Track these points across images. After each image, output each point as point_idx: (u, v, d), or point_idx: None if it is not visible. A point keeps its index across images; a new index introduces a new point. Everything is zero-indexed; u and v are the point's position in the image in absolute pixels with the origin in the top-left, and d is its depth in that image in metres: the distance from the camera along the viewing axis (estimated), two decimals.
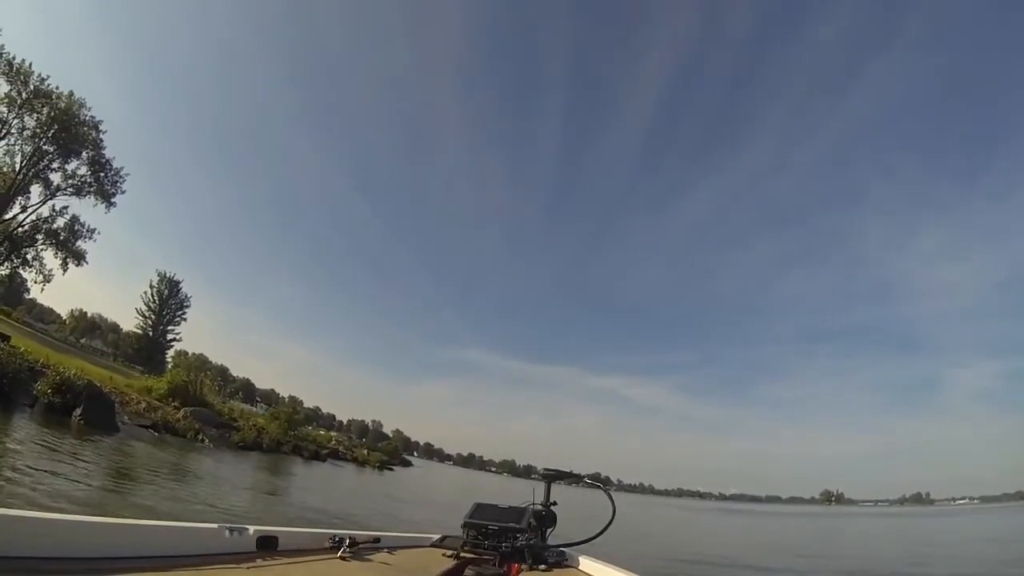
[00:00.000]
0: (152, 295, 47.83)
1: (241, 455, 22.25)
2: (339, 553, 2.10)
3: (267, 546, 1.96)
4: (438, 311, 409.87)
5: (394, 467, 53.08)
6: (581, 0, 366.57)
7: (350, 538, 2.23)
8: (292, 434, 33.46)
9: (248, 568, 1.67)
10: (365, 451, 50.35)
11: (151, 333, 47.39)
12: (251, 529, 1.95)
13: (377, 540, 2.40)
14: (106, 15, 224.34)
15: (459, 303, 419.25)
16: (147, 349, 43.81)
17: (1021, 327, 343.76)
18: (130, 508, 7.82)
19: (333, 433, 74.61)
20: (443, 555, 2.47)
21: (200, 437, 21.48)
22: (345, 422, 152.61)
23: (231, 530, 1.86)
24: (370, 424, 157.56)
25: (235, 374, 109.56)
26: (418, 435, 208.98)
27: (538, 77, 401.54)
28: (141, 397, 23.03)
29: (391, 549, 2.43)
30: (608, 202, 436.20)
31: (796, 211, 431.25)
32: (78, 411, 16.37)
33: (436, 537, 2.83)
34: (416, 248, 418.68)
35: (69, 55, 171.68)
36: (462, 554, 2.47)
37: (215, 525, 1.83)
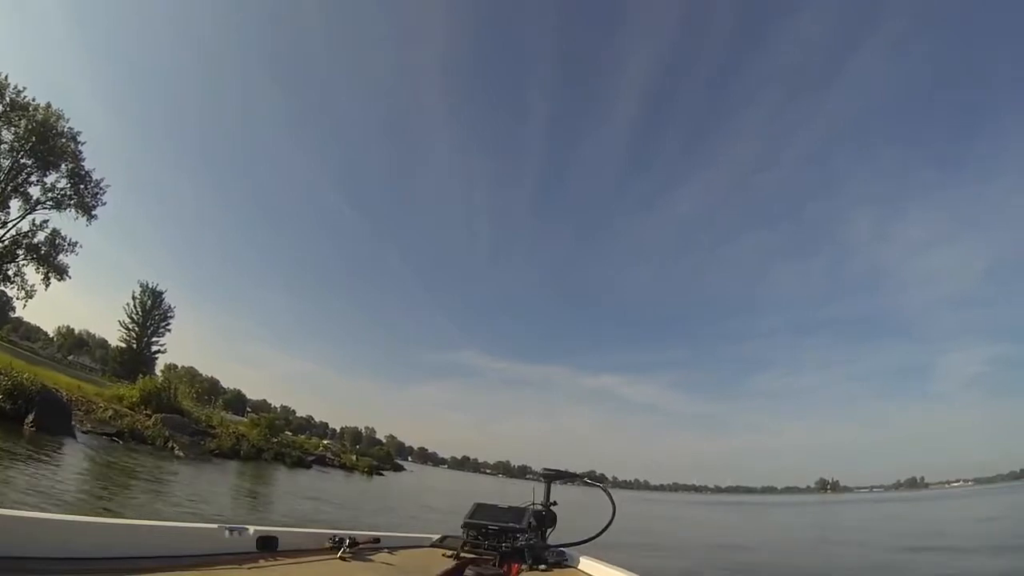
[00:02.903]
0: (135, 306, 47.45)
1: (214, 464, 21.52)
2: (339, 553, 2.10)
3: (267, 546, 1.96)
4: (429, 314, 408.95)
5: (384, 472, 52.66)
6: (566, 1, 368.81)
7: (350, 538, 2.23)
8: (275, 441, 32.90)
9: (248, 568, 1.67)
10: (354, 456, 49.99)
11: (135, 345, 47.18)
12: (251, 529, 1.95)
13: (377, 540, 2.40)
14: (84, 22, 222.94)
15: (450, 305, 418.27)
16: (131, 362, 43.54)
17: (1009, 312, 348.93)
18: None
19: (325, 441, 74.35)
20: (443, 555, 2.48)
21: (170, 445, 20.88)
22: (338, 430, 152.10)
23: (231, 530, 1.86)
24: (363, 431, 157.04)
25: (226, 386, 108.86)
26: (412, 440, 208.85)
27: (524, 78, 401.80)
28: (109, 405, 22.50)
29: (391, 549, 2.43)
30: (597, 201, 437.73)
31: (784, 205, 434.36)
32: (30, 417, 15.71)
33: (436, 537, 2.83)
34: (405, 251, 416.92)
35: (48, 64, 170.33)
36: (462, 554, 2.47)
37: (215, 525, 1.84)
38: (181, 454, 20.66)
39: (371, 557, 2.23)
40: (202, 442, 23.90)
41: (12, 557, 1.22)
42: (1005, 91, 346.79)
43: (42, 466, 11.54)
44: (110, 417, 21.09)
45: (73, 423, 17.88)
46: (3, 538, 1.23)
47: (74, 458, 13.96)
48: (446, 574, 2.15)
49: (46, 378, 20.65)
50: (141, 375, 28.72)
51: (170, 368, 71.49)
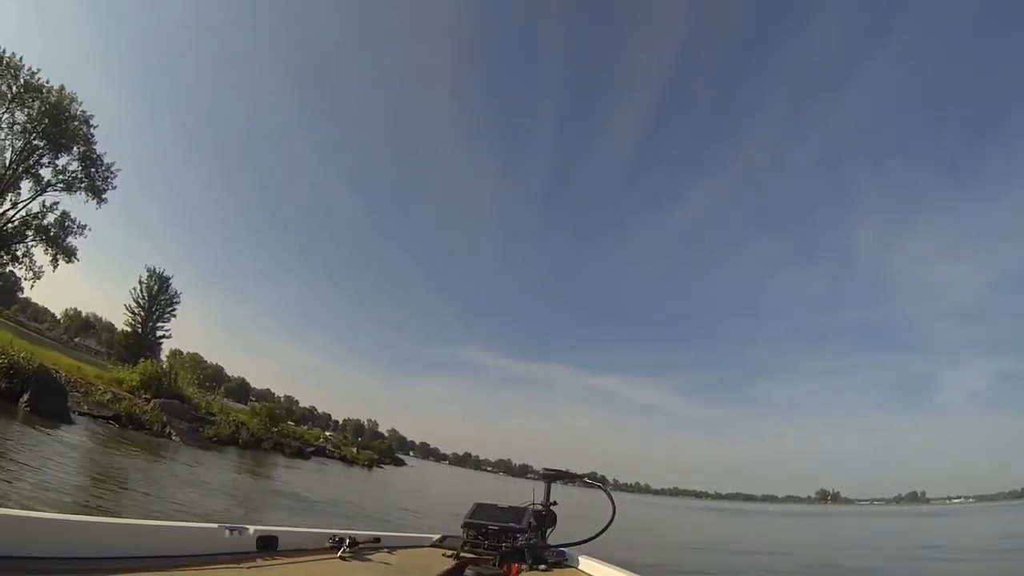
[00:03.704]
0: (141, 291, 47.38)
1: (211, 452, 21.11)
2: (339, 553, 2.10)
3: (267, 546, 1.96)
4: (434, 311, 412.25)
5: (385, 466, 52.85)
6: (576, 1, 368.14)
7: (350, 538, 2.22)
8: (274, 430, 32.84)
9: (248, 568, 1.66)
10: (354, 449, 50.05)
11: (140, 330, 47.28)
12: (251, 529, 1.95)
13: (377, 540, 2.40)
14: (102, 14, 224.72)
15: (455, 302, 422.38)
16: (136, 346, 43.65)
17: (1014, 327, 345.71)
18: None
19: (328, 432, 74.46)
20: (443, 555, 2.48)
21: (167, 430, 20.74)
22: (341, 422, 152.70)
23: (231, 530, 1.86)
24: (366, 424, 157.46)
25: (231, 374, 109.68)
26: (414, 435, 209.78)
27: (533, 77, 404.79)
28: (108, 388, 22.32)
29: (391, 549, 2.43)
30: (604, 201, 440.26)
31: (790, 211, 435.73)
32: (25, 397, 15.65)
33: (436, 537, 2.83)
34: (412, 247, 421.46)
35: (64, 53, 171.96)
36: (462, 554, 2.47)
37: (215, 525, 1.84)
38: (178, 440, 20.53)
39: (371, 557, 2.21)
40: (200, 429, 23.72)
41: (12, 557, 1.22)
42: (1015, 103, 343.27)
43: (25, 448, 11.26)
44: (108, 400, 20.94)
45: (69, 404, 17.77)
46: (3, 538, 1.22)
47: (61, 439, 13.62)
48: (446, 574, 2.14)
49: (47, 359, 20.56)
50: (144, 359, 28.64)
51: (175, 354, 71.95)
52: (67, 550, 1.34)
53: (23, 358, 16.99)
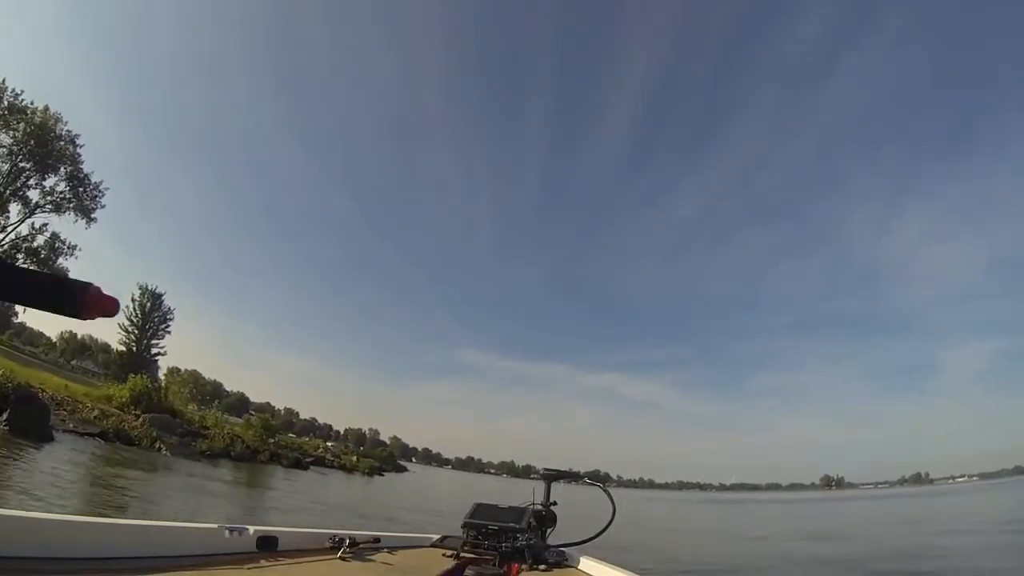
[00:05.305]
0: (134, 309, 47.30)
1: (202, 467, 20.59)
2: (339, 553, 2.10)
3: (267, 546, 1.96)
4: (431, 313, 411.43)
5: (385, 473, 52.80)
6: (564, 0, 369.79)
7: (350, 538, 2.22)
8: (271, 441, 32.66)
9: (248, 568, 1.66)
10: (354, 457, 49.93)
11: (135, 348, 47.21)
12: (251, 529, 1.95)
13: (377, 540, 2.40)
14: (87, 24, 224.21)
15: (452, 305, 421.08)
16: (131, 364, 43.52)
17: (1011, 307, 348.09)
18: None
19: (329, 443, 74.30)
20: (443, 555, 2.47)
21: (157, 445, 20.60)
22: (342, 432, 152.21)
23: (231, 530, 1.86)
24: (367, 432, 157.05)
25: (230, 389, 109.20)
26: (417, 441, 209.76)
27: (523, 78, 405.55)
28: (96, 405, 22.23)
29: (391, 549, 2.42)
30: (598, 200, 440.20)
31: (784, 203, 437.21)
32: (4, 416, 15.51)
33: (436, 537, 2.81)
34: (407, 251, 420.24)
35: (49, 68, 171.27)
36: (462, 554, 2.47)
37: (215, 525, 1.84)
38: (167, 454, 20.33)
39: (371, 557, 2.22)
40: (192, 442, 23.52)
41: (12, 557, 1.22)
42: (1006, 88, 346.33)
43: None
44: (95, 417, 20.78)
45: (51, 423, 17.57)
46: (3, 538, 1.22)
47: (33, 461, 13.19)
48: (446, 574, 2.15)
49: (34, 379, 20.50)
50: (134, 375, 28.46)
51: (173, 371, 71.67)
52: (67, 550, 1.34)
53: (2, 376, 16.77)
